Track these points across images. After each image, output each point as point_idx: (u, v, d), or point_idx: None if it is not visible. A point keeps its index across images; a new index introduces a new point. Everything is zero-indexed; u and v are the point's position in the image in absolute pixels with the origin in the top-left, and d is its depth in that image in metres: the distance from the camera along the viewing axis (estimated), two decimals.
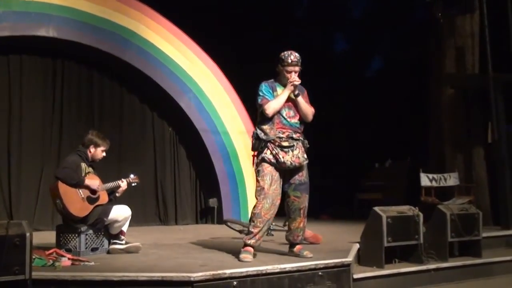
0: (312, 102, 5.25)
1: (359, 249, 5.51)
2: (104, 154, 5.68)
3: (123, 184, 5.69)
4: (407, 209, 5.58)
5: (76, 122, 8.56)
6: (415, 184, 9.12)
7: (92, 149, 5.57)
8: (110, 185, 5.61)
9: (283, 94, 5.05)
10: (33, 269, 3.90)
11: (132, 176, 5.85)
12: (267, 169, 5.00)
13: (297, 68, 5.08)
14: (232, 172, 9.63)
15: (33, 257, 4.19)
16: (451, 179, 8.90)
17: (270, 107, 4.99)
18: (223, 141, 9.59)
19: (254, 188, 5.15)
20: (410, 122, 11.44)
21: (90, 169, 5.57)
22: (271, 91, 5.10)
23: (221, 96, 9.69)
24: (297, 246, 5.17)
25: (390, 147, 11.99)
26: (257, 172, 5.06)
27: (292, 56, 5.07)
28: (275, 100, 5.03)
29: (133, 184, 5.86)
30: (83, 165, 5.48)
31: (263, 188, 4.98)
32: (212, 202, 9.66)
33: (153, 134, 9.50)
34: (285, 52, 5.11)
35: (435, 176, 8.90)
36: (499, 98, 8.23)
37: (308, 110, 5.15)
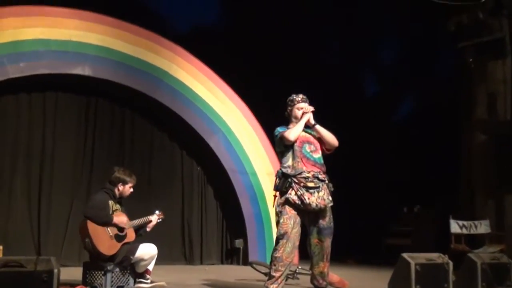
0: (342, 144, 5.24)
1: None
2: (131, 190, 5.69)
3: (153, 218, 5.73)
4: (436, 257, 5.46)
5: (107, 159, 8.63)
6: (444, 230, 8.95)
7: (120, 187, 5.59)
8: (137, 221, 5.63)
9: (300, 121, 5.09)
10: None
11: (157, 212, 5.86)
12: (291, 211, 4.90)
13: (307, 104, 5.17)
14: (259, 213, 9.60)
15: None
16: (482, 227, 8.72)
17: (291, 133, 5.01)
18: (251, 182, 9.59)
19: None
20: (440, 168, 11.31)
21: (118, 206, 5.59)
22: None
23: (250, 136, 9.75)
24: None
25: (419, 192, 11.84)
26: (279, 214, 4.96)
27: (300, 95, 5.24)
28: (293, 128, 5.06)
29: (158, 220, 5.86)
30: (111, 202, 5.50)
31: (286, 232, 4.87)
32: (238, 243, 9.60)
33: (181, 172, 9.56)
34: (292, 95, 5.26)
35: (465, 223, 8.72)
36: None
37: (331, 135, 5.17)
